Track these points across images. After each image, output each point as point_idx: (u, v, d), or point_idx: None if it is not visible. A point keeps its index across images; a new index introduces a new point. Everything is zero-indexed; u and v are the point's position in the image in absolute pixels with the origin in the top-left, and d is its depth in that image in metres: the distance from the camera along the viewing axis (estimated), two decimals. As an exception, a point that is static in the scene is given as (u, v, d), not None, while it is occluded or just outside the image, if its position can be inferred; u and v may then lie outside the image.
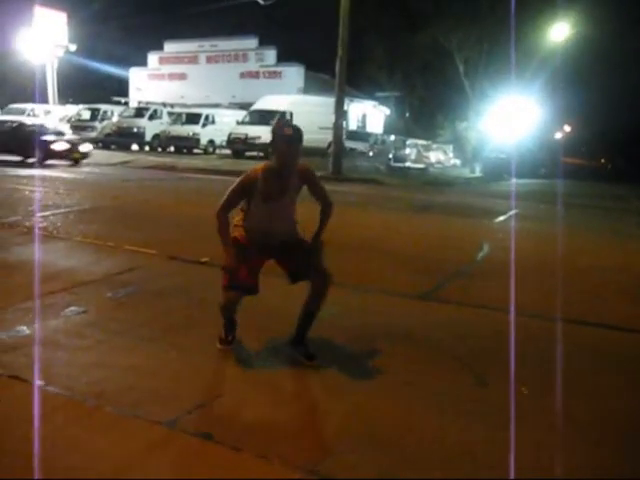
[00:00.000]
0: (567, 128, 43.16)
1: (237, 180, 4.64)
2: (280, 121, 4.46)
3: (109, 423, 3.64)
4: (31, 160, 19.97)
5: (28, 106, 38.32)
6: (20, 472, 3.06)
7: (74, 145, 21.80)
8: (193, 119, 34.13)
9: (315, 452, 3.42)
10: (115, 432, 3.54)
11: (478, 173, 36.51)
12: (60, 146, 20.90)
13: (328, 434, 3.65)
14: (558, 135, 45.30)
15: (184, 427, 3.59)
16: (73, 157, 21.71)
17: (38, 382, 4.04)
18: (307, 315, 4.69)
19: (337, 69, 24.27)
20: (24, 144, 20.32)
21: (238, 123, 32.81)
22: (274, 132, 4.55)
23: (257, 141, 30.71)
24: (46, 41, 41.83)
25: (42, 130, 21.19)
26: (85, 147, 22.44)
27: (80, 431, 3.52)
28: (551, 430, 3.76)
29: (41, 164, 19.60)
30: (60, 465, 3.17)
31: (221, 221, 4.59)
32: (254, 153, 31.09)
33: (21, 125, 22.01)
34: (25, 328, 5.04)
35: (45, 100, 41.78)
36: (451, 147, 52.93)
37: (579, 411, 4.07)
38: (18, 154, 20.73)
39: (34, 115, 36.78)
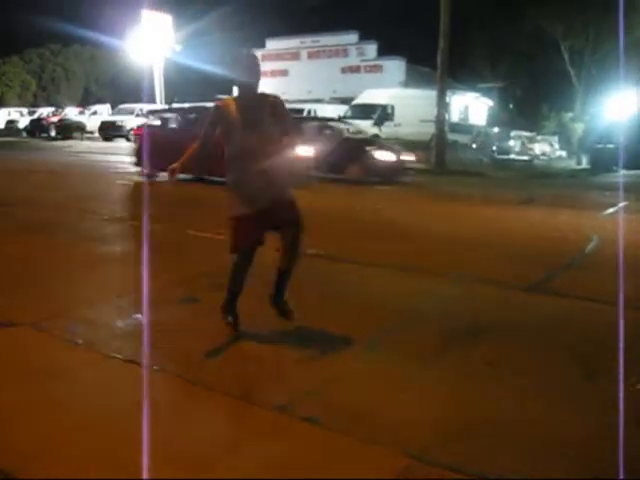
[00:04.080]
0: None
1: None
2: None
3: (222, 408, 3.77)
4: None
5: (137, 106, 39.61)
6: (131, 452, 3.18)
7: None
8: (295, 115, 34.48)
9: (422, 440, 3.43)
10: (228, 416, 3.66)
11: (585, 165, 35.39)
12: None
13: (438, 422, 3.64)
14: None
15: (294, 412, 3.65)
16: None
17: (153, 367, 4.20)
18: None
19: (439, 61, 24.05)
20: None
21: (340, 118, 32.94)
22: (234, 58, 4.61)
23: (359, 136, 30.77)
24: (153, 43, 43.21)
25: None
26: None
27: (192, 415, 3.65)
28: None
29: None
30: (169, 447, 3.28)
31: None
32: (356, 147, 31.11)
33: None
34: (140, 316, 5.23)
35: (152, 100, 43.10)
36: (556, 138, 51.58)
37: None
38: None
39: (142, 115, 38.03)
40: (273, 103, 4.65)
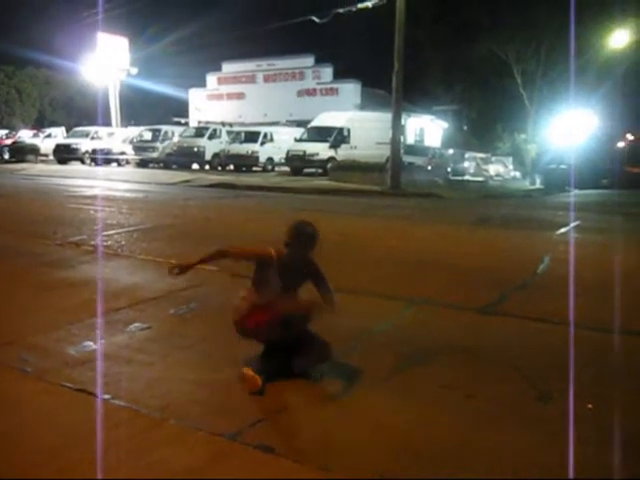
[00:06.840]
0: (630, 137, 42.27)
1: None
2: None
3: (173, 435, 3.71)
4: None
5: (92, 129, 39.35)
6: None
7: None
8: (252, 137, 34.53)
9: (377, 465, 3.43)
10: (178, 444, 3.61)
11: (539, 185, 36.00)
12: None
13: (390, 448, 3.65)
14: (621, 144, 44.54)
15: (246, 440, 3.63)
16: None
17: (104, 396, 4.15)
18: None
19: (394, 83, 24.25)
20: None
21: (296, 140, 33.09)
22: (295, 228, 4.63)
23: (315, 158, 30.94)
24: (109, 65, 43.12)
25: None
26: None
27: (144, 443, 3.60)
28: (615, 449, 3.69)
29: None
30: (122, 475, 3.26)
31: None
32: (312, 170, 31.28)
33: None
34: (92, 343, 5.18)
35: (108, 122, 42.87)
36: (510, 159, 52.51)
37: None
38: None
39: (98, 137, 37.80)
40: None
